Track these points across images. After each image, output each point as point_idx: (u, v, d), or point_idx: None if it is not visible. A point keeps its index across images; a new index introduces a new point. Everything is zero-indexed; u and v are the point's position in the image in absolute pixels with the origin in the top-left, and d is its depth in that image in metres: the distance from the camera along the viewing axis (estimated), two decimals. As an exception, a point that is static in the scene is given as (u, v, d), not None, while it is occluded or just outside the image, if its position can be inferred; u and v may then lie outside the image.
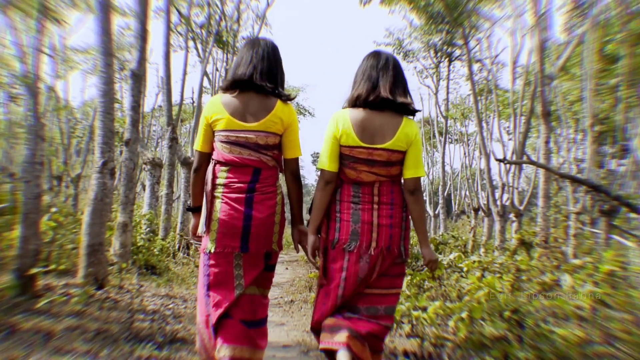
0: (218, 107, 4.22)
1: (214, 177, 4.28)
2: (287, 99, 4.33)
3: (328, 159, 4.18)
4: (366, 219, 4.17)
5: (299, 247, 4.57)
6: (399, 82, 4.23)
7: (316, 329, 4.34)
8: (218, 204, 4.21)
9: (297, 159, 4.42)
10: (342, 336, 3.94)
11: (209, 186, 4.30)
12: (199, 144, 4.37)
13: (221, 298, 4.12)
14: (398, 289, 4.34)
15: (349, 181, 4.27)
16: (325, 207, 4.29)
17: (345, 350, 3.84)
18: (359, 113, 4.15)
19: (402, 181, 4.32)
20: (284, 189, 4.48)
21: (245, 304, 4.20)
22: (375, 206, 4.19)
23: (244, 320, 4.14)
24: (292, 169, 4.43)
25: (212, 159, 4.38)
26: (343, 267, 4.16)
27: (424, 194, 48.08)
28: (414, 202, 4.23)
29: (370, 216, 4.17)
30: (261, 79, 4.20)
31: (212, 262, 4.20)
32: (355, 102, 4.22)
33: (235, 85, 4.23)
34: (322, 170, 4.25)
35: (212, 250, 4.17)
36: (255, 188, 4.22)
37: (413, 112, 4.27)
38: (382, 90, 4.10)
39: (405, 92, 4.25)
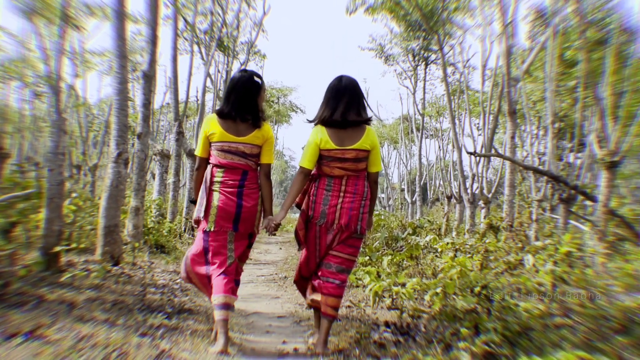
0: (214, 125, 5.07)
1: (212, 176, 5.14)
2: (263, 121, 5.18)
3: (308, 159, 5.06)
4: (333, 203, 5.08)
5: (263, 228, 5.29)
6: (351, 105, 5.03)
7: (299, 282, 5.64)
8: (216, 195, 5.08)
9: (269, 165, 5.33)
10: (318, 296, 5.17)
11: (207, 182, 5.14)
12: (199, 151, 5.22)
13: (219, 263, 5.07)
14: (353, 257, 5.24)
15: (325, 175, 5.16)
16: (297, 194, 5.20)
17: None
18: (331, 128, 5.02)
19: (367, 174, 5.25)
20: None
21: (234, 269, 5.14)
22: (342, 194, 5.10)
23: (236, 280, 5.17)
24: (265, 171, 5.31)
25: (210, 163, 5.23)
26: (316, 236, 5.18)
27: (403, 183, 48.21)
28: (375, 189, 5.30)
29: (336, 201, 5.08)
30: (240, 114, 5.04)
31: (211, 238, 5.09)
32: (322, 122, 5.07)
33: (223, 116, 5.07)
34: (301, 167, 5.10)
35: (212, 229, 5.05)
36: (244, 185, 5.12)
37: (367, 122, 5.12)
38: (337, 115, 4.96)
39: (359, 110, 5.08)
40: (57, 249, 7.43)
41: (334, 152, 5.00)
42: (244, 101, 5.08)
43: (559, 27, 12.63)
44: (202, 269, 5.14)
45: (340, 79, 5.18)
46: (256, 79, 5.15)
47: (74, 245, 8.48)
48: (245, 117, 5.07)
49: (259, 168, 5.32)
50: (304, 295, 5.64)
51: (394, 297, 6.71)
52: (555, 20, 12.36)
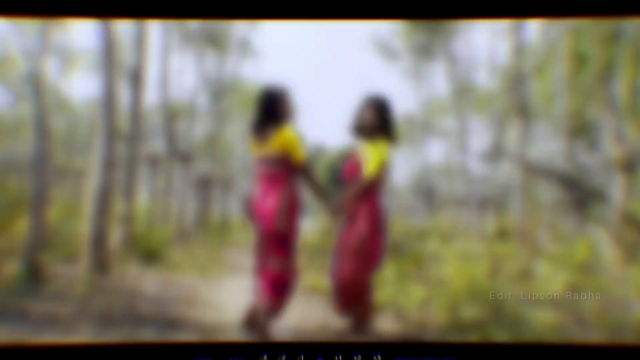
0: (249, 139, 5.86)
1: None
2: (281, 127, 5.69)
3: None
4: None
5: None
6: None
7: None
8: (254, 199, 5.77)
9: (301, 162, 5.64)
10: None
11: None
12: None
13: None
14: None
15: None
16: None
17: None
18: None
19: None
20: None
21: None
22: None
23: None
24: (299, 169, 5.66)
25: None
26: None
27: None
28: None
29: None
30: (259, 124, 5.75)
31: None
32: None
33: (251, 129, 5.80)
34: None
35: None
36: (269, 190, 5.66)
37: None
38: None
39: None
40: (41, 258, 7.44)
41: None
42: (263, 111, 5.77)
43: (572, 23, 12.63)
44: None
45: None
46: (273, 90, 5.90)
47: (58, 254, 8.49)
48: (264, 127, 5.71)
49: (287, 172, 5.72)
50: None
51: (399, 307, 6.70)
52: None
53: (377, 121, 5.96)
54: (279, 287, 5.75)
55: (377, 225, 5.80)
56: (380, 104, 5.99)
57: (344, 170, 6.05)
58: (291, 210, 5.69)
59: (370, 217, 5.86)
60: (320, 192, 5.82)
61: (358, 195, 5.79)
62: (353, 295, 5.75)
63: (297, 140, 5.71)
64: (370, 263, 5.78)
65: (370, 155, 5.85)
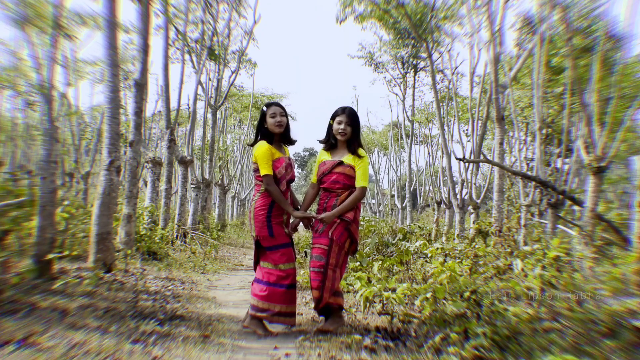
0: None
1: None
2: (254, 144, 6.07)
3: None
4: None
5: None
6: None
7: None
8: None
9: (265, 175, 5.77)
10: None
11: None
12: None
13: None
14: None
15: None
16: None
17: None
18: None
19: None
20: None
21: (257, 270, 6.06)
22: None
23: (256, 279, 6.02)
24: (264, 182, 5.80)
25: None
26: None
27: (393, 189, 48.16)
28: None
29: None
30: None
31: None
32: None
33: None
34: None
35: None
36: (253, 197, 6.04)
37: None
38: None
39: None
40: (50, 256, 7.42)
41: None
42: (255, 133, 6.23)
43: (545, 34, 12.65)
44: None
45: (342, 109, 6.08)
46: (264, 107, 6.07)
47: (66, 252, 8.47)
48: (255, 139, 6.13)
49: (259, 183, 5.95)
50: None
51: (385, 302, 6.68)
52: (542, 27, 12.38)
53: (352, 131, 5.98)
54: (268, 286, 5.80)
55: (357, 228, 6.11)
56: (353, 115, 5.99)
57: (330, 177, 5.99)
58: (257, 218, 5.87)
59: (358, 221, 6.02)
60: (283, 204, 5.82)
61: (355, 203, 5.85)
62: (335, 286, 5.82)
63: (261, 155, 5.83)
64: (347, 257, 6.18)
65: (360, 168, 5.88)
